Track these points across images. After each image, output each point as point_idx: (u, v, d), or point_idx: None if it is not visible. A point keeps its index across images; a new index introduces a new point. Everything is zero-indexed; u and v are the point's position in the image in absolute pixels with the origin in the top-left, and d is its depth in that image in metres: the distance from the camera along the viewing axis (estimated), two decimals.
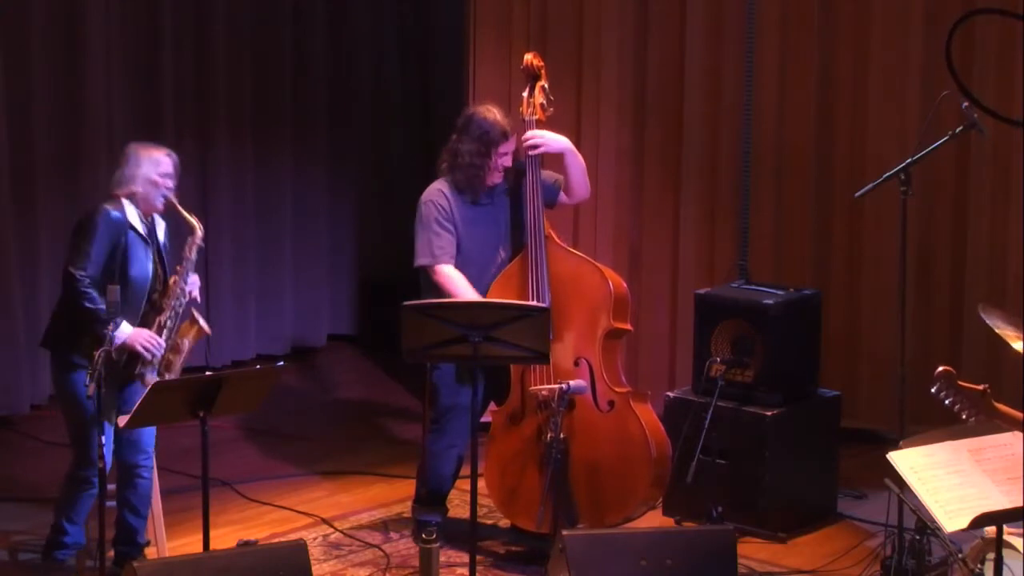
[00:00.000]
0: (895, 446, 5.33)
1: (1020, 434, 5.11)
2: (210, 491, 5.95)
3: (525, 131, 6.90)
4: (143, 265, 6.39)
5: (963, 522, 4.86)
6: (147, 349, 6.30)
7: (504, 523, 7.10)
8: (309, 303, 10.10)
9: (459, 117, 6.98)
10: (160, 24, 9.17)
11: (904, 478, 5.07)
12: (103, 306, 6.16)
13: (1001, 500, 4.96)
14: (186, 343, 6.47)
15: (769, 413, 7.11)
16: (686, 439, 6.96)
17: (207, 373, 6.01)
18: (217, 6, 9.42)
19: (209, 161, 9.47)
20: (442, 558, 6.52)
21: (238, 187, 9.65)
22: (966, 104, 6.47)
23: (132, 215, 6.40)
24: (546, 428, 6.64)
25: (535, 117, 6.92)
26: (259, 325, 9.84)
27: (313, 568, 5.54)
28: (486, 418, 6.98)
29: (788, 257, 8.38)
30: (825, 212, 8.34)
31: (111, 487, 6.74)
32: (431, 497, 7.03)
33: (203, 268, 9.47)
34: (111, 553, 6.54)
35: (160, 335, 6.38)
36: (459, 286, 6.76)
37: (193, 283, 6.52)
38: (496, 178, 6.89)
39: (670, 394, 7.40)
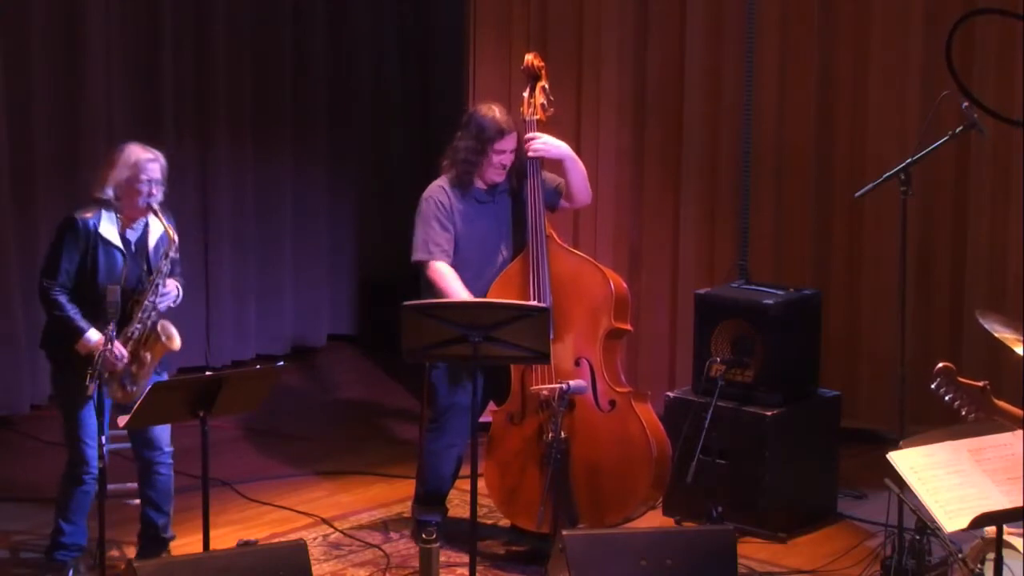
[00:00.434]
0: (895, 446, 5.33)
1: (1020, 434, 5.11)
2: (210, 491, 5.96)
3: (526, 131, 6.91)
4: (112, 273, 6.35)
5: (963, 522, 4.86)
6: (107, 359, 6.18)
7: (504, 523, 7.10)
8: (309, 303, 10.10)
9: (463, 116, 7.00)
10: (160, 24, 9.18)
11: (904, 478, 5.06)
12: (73, 313, 6.29)
13: (1001, 500, 4.96)
14: (148, 356, 6.40)
15: (769, 413, 7.11)
16: (686, 439, 6.96)
17: (207, 373, 6.01)
18: (217, 6, 9.42)
19: (209, 161, 9.47)
20: (442, 558, 6.52)
21: (238, 187, 9.65)
22: (966, 104, 6.47)
23: (105, 222, 6.37)
24: (546, 428, 6.65)
25: (535, 117, 6.92)
26: (259, 325, 9.85)
27: (313, 568, 5.54)
28: (486, 418, 6.98)
29: (788, 257, 8.38)
30: (825, 212, 8.34)
31: (130, 485, 6.93)
32: (430, 497, 7.03)
33: (203, 268, 9.51)
34: (134, 548, 6.67)
35: (126, 346, 6.35)
36: (450, 284, 6.76)
37: (166, 295, 6.44)
38: (497, 176, 6.89)
39: (670, 394, 7.40)
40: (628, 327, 6.87)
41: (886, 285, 7.91)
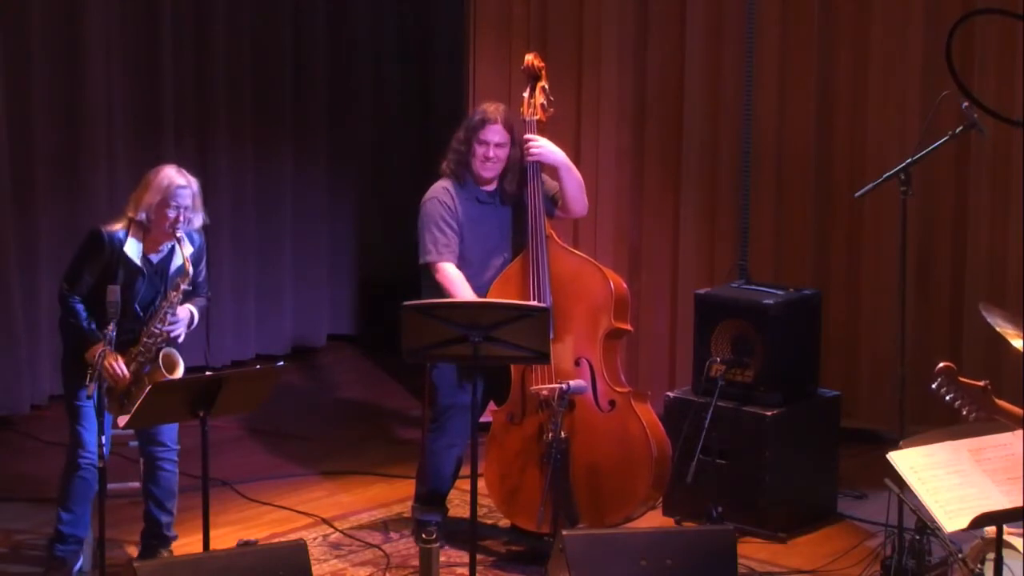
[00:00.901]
0: (895, 446, 5.33)
1: (1020, 434, 5.11)
2: (210, 491, 5.97)
3: (526, 132, 6.91)
4: (129, 290, 6.37)
5: (963, 522, 4.86)
6: (106, 369, 6.24)
7: (504, 523, 7.10)
8: (309, 303, 10.09)
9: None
10: (160, 24, 9.17)
11: (904, 478, 5.06)
12: (86, 323, 6.36)
13: (1001, 500, 4.96)
14: (147, 380, 6.38)
15: (769, 413, 7.11)
16: (686, 439, 6.96)
17: (207, 373, 6.01)
18: (217, 6, 9.41)
19: (209, 161, 9.46)
20: (442, 558, 6.52)
21: (238, 187, 9.65)
22: (966, 104, 6.47)
23: (131, 241, 6.41)
24: (546, 428, 6.64)
25: (536, 117, 6.92)
26: (259, 325, 9.84)
27: (313, 568, 5.55)
28: (486, 418, 6.98)
29: (788, 257, 8.38)
30: (825, 212, 8.34)
31: (132, 484, 6.97)
32: (431, 496, 7.03)
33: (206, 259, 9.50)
34: (138, 546, 6.70)
35: (129, 367, 6.38)
36: (458, 286, 6.76)
37: (176, 322, 6.46)
38: (484, 171, 6.87)
39: (670, 394, 7.40)
40: (628, 327, 6.87)
41: (886, 285, 7.91)
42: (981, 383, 5.04)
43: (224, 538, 6.87)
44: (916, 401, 6.64)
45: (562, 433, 6.52)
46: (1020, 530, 5.21)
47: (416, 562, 6.53)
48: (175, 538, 6.68)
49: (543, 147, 6.88)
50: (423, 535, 6.27)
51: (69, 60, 8.81)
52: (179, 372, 6.44)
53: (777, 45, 8.31)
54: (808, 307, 7.43)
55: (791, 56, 8.31)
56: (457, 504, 7.19)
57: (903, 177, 6.41)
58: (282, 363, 6.90)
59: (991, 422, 5.14)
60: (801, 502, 7.28)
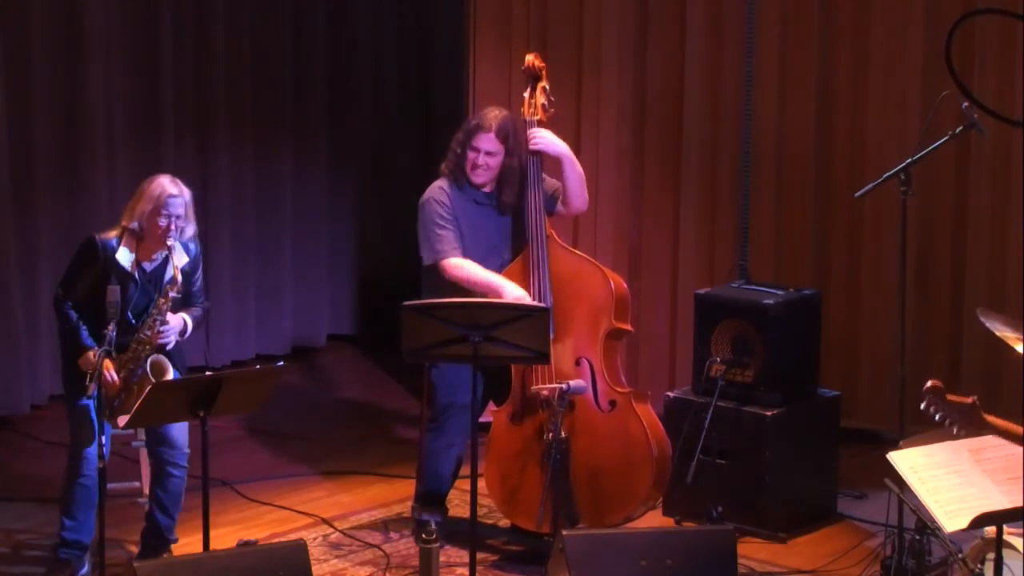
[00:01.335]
0: (895, 446, 5.34)
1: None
2: (210, 491, 5.96)
3: (526, 132, 6.91)
4: (121, 298, 6.37)
5: (963, 522, 4.86)
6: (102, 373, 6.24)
7: (504, 523, 7.10)
8: (309, 303, 10.09)
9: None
10: (160, 24, 9.17)
11: (904, 478, 5.07)
12: (79, 329, 6.37)
13: (1001, 500, 4.97)
14: (136, 389, 6.38)
15: (769, 413, 7.11)
16: (686, 439, 6.96)
17: (207, 373, 6.01)
18: (217, 6, 9.41)
19: (209, 161, 9.47)
20: (442, 558, 6.53)
21: (238, 187, 9.65)
22: (966, 104, 6.47)
23: (123, 250, 6.43)
24: (546, 428, 6.65)
25: (536, 118, 6.92)
26: (259, 325, 9.84)
27: (313, 568, 5.55)
28: (486, 418, 6.98)
29: (788, 257, 8.38)
30: (825, 212, 8.34)
31: (132, 484, 6.99)
32: (430, 496, 7.03)
33: (203, 268, 9.49)
34: (138, 546, 6.69)
35: (119, 373, 6.39)
36: (472, 272, 6.74)
37: (167, 330, 6.47)
38: (475, 177, 6.87)
39: (670, 394, 7.40)
40: (628, 327, 6.87)
41: (886, 285, 7.91)
42: (969, 400, 5.01)
43: (224, 538, 6.87)
44: (916, 401, 6.58)
45: (562, 433, 6.52)
46: (1020, 530, 5.21)
47: (416, 562, 6.53)
48: (175, 541, 6.67)
49: (546, 138, 6.88)
50: (423, 535, 6.27)
51: (69, 60, 8.81)
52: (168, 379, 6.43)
53: (777, 45, 8.31)
54: (808, 307, 7.43)
55: (791, 56, 8.31)
56: (457, 504, 7.19)
57: (903, 177, 6.41)
58: (282, 363, 6.90)
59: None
60: (801, 502, 7.28)
